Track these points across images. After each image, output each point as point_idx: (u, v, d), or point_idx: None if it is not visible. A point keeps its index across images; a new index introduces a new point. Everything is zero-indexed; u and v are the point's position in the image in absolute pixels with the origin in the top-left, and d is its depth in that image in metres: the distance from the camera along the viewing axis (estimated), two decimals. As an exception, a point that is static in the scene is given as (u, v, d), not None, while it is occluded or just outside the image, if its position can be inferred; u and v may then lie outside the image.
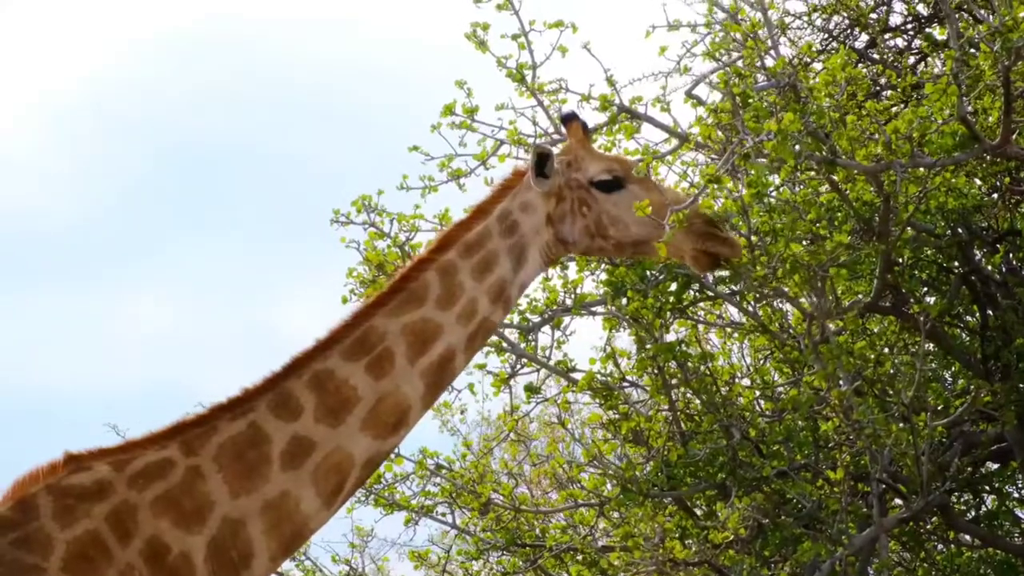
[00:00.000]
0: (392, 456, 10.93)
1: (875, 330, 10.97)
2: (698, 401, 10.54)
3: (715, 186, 9.77)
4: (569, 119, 6.86)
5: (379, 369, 6.12)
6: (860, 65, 12.03)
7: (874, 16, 12.43)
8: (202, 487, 5.83)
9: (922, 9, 12.45)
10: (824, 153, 9.69)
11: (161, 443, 5.89)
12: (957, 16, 11.10)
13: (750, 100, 9.71)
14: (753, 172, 9.45)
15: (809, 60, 11.63)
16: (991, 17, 10.68)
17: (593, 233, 6.59)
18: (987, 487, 11.63)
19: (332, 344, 6.13)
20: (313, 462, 5.98)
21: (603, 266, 10.50)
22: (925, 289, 11.26)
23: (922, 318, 10.08)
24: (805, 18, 12.48)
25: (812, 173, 10.14)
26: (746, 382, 11.20)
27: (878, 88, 11.90)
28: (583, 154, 6.75)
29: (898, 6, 12.62)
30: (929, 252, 11.00)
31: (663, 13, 11.00)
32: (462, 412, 11.85)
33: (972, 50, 10.62)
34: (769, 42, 10.93)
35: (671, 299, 10.32)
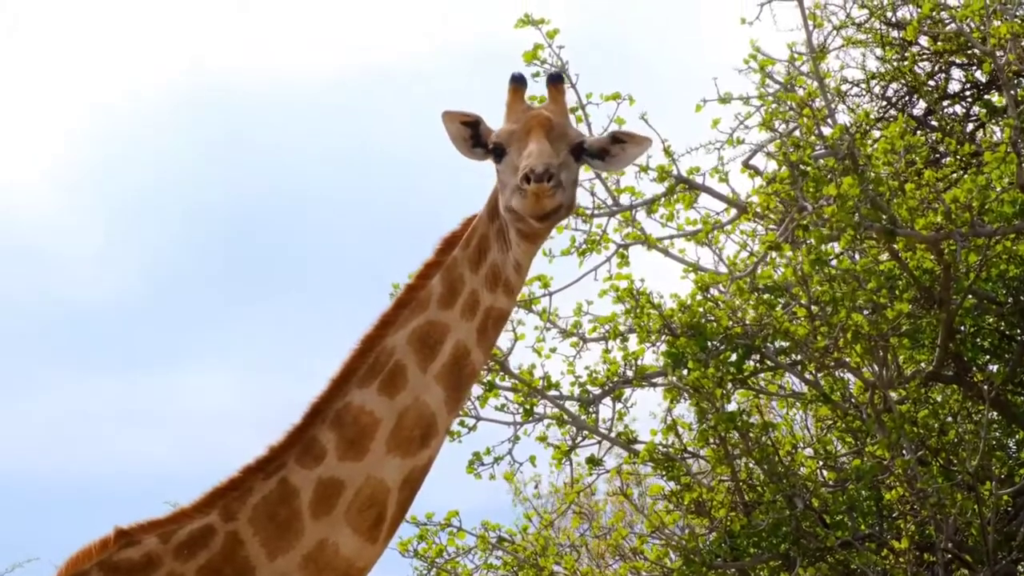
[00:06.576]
0: (455, 529, 10.99)
1: (938, 399, 10.91)
2: (760, 471, 10.49)
3: (774, 255, 9.80)
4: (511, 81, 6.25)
5: (392, 387, 5.92)
6: (919, 132, 12.04)
7: (932, 83, 12.44)
8: (241, 552, 5.79)
9: (980, 76, 12.45)
10: (884, 222, 9.69)
11: (204, 510, 5.88)
12: (1015, 83, 11.09)
13: (807, 169, 9.73)
14: (813, 240, 9.46)
15: (868, 127, 11.64)
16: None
17: (504, 206, 5.90)
18: (1054, 556, 11.49)
19: (348, 377, 5.97)
20: (344, 501, 5.84)
21: (663, 337, 10.51)
22: (987, 357, 11.19)
23: (986, 386, 10.02)
24: (863, 86, 12.51)
25: (872, 241, 10.14)
26: (808, 452, 11.15)
27: (937, 155, 11.89)
28: None
29: (956, 73, 12.63)
30: (991, 320, 10.94)
31: (714, 86, 11.06)
32: (536, 485, 11.83)
33: (1031, 117, 10.60)
34: (827, 110, 10.96)
35: (732, 369, 10.31)
